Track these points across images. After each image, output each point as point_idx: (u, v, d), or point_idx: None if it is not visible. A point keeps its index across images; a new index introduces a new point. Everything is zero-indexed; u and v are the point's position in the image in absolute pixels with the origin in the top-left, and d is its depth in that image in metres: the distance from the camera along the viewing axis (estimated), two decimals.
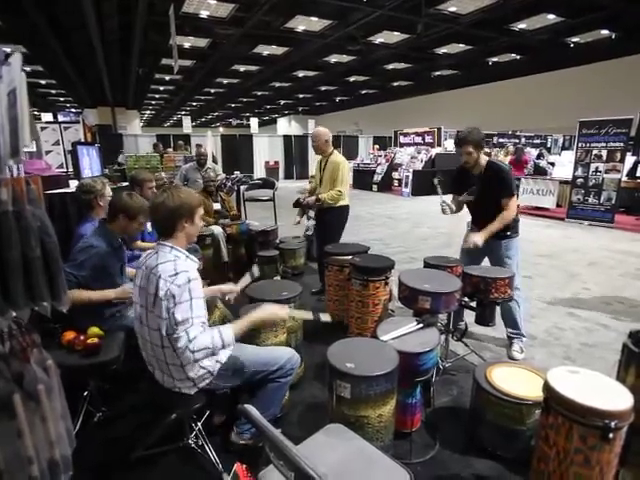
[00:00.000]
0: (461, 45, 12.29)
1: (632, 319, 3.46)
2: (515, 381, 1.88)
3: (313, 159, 16.90)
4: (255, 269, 2.31)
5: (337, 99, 23.57)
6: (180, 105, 24.68)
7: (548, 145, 16.14)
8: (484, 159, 2.72)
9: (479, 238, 2.62)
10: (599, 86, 13.71)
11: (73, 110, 21.22)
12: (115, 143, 13.02)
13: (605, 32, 10.97)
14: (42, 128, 9.16)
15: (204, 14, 9.29)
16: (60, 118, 13.94)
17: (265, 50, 12.57)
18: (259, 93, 20.71)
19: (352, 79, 17.48)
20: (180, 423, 1.83)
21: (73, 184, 3.90)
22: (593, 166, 7.60)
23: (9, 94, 0.94)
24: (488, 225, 2.66)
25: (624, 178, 7.72)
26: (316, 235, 4.32)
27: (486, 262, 2.92)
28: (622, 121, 7.24)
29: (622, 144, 7.24)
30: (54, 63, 11.35)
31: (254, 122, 19.12)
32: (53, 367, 1.20)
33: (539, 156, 11.01)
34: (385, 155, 14.52)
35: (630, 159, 8.38)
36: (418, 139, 14.97)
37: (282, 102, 24.44)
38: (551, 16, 9.77)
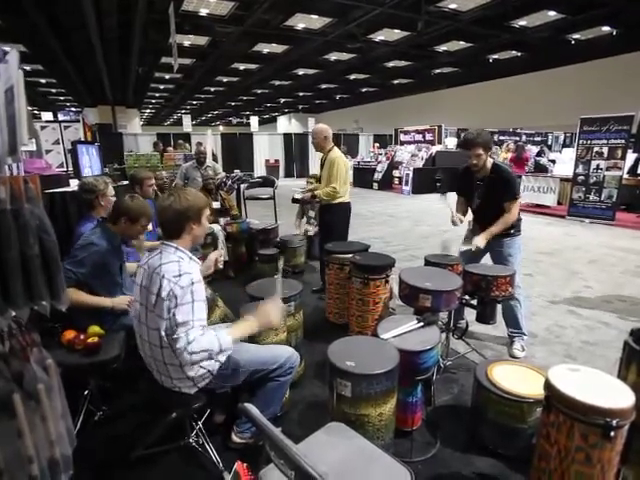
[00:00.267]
0: (461, 42, 12.25)
1: (633, 317, 3.45)
2: (516, 379, 1.87)
3: (313, 157, 16.91)
4: (281, 262, 2.30)
5: (337, 97, 23.53)
6: (180, 104, 24.66)
7: (549, 142, 16.09)
8: (490, 161, 2.70)
9: (481, 241, 2.63)
10: (600, 83, 13.66)
11: (73, 109, 21.21)
12: (115, 142, 13.01)
13: (606, 29, 10.93)
14: (42, 127, 9.15)
15: (204, 12, 9.27)
16: (60, 117, 13.94)
17: (265, 48, 12.54)
18: (259, 91, 20.68)
19: (352, 77, 17.45)
20: (180, 422, 1.83)
21: (73, 183, 3.90)
22: (594, 163, 7.57)
23: (6, 92, 0.94)
24: (490, 227, 2.66)
25: (625, 175, 7.70)
26: (319, 233, 4.33)
27: (486, 259, 2.92)
28: (623, 118, 7.21)
29: (623, 141, 7.21)
30: (54, 62, 11.34)
31: (254, 120, 19.11)
32: (53, 366, 1.19)
33: (540, 153, 10.98)
34: (385, 153, 14.50)
35: (631, 156, 8.36)
36: (419, 137, 14.93)
37: (282, 100, 24.41)
38: (552, 13, 9.74)
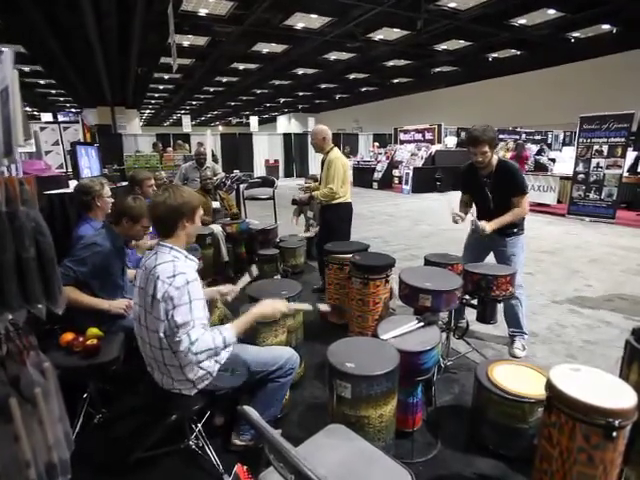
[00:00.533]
0: (461, 41, 12.24)
1: (635, 316, 3.44)
2: (517, 379, 1.86)
3: (313, 157, 16.90)
4: (254, 268, 2.31)
5: (337, 97, 23.53)
6: (180, 104, 24.66)
7: (549, 141, 16.06)
8: (495, 158, 2.66)
9: (488, 226, 2.58)
10: (600, 81, 13.64)
11: (73, 110, 21.19)
12: (115, 143, 13.00)
13: (606, 27, 10.91)
14: (42, 128, 9.13)
15: (203, 12, 9.26)
16: (60, 118, 13.92)
17: (264, 48, 12.53)
18: (259, 91, 20.67)
19: (352, 76, 17.44)
20: (180, 424, 1.83)
21: (73, 184, 3.89)
22: (594, 162, 7.56)
23: (1, 92, 0.93)
24: (500, 218, 2.61)
25: (625, 173, 7.69)
26: (319, 233, 4.33)
27: (489, 259, 2.91)
28: (623, 116, 7.20)
29: (623, 139, 7.20)
30: (53, 63, 11.32)
31: (254, 120, 19.11)
32: (50, 369, 1.19)
33: (540, 152, 10.96)
34: (385, 152, 14.49)
35: (631, 154, 8.36)
36: (418, 136, 14.91)
37: (282, 100, 24.39)
38: (552, 11, 9.72)
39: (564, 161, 9.81)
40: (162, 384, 1.64)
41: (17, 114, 0.89)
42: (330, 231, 3.64)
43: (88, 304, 2.04)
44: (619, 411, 1.22)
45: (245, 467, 1.60)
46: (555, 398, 1.34)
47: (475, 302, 2.47)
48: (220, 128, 33.77)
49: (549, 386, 1.39)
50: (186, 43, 11.48)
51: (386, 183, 13.51)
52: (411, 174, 12.21)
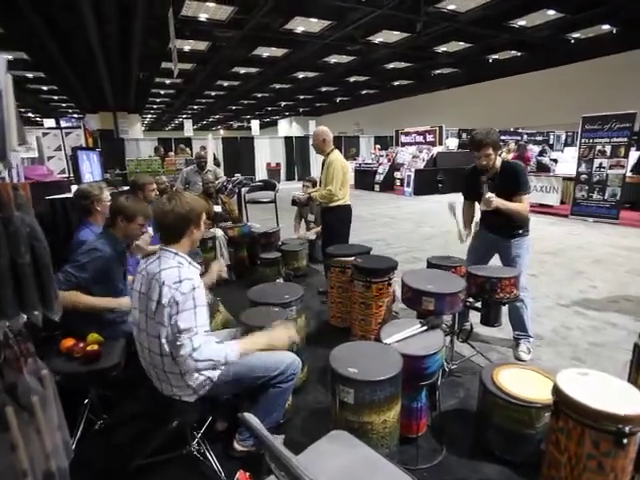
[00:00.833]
0: (461, 43, 12.24)
1: None
2: (523, 383, 1.83)
3: (315, 160, 16.91)
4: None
5: (338, 100, 23.56)
6: (181, 109, 24.75)
7: (551, 142, 16.00)
8: (498, 159, 2.64)
9: (495, 198, 2.51)
10: (601, 81, 13.62)
11: (75, 115, 21.31)
12: (117, 148, 13.04)
13: (606, 27, 10.90)
14: (44, 134, 9.16)
15: (203, 17, 9.30)
16: (62, 124, 13.98)
17: (265, 52, 12.57)
18: (259, 95, 20.73)
19: (352, 79, 17.46)
20: (181, 430, 1.80)
21: (75, 189, 3.89)
22: (597, 162, 7.52)
23: None
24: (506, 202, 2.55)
25: (628, 173, 7.64)
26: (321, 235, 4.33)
27: (494, 260, 2.88)
28: (625, 116, 7.16)
29: (626, 139, 7.16)
30: (55, 69, 11.41)
31: (255, 124, 19.14)
32: (48, 377, 1.17)
33: (542, 153, 10.91)
34: (387, 155, 14.47)
35: (634, 154, 8.29)
36: (419, 138, 14.88)
37: (283, 104, 24.46)
38: (551, 12, 9.71)
39: (566, 161, 9.76)
40: (162, 390, 1.62)
41: (11, 118, 0.88)
42: (330, 233, 3.65)
43: (97, 305, 2.03)
44: (630, 417, 1.19)
45: (248, 474, 1.58)
46: (562, 403, 1.32)
47: (479, 305, 2.44)
48: (221, 132, 33.88)
49: (556, 391, 1.36)
50: (187, 48, 11.52)
51: (388, 185, 13.48)
52: (413, 176, 12.18)
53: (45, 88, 16.11)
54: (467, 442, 1.98)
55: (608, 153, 7.36)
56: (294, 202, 3.91)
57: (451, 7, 9.34)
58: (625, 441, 1.18)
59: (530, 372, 1.96)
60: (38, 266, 0.94)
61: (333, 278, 3.20)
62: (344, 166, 3.55)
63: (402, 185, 12.88)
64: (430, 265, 2.79)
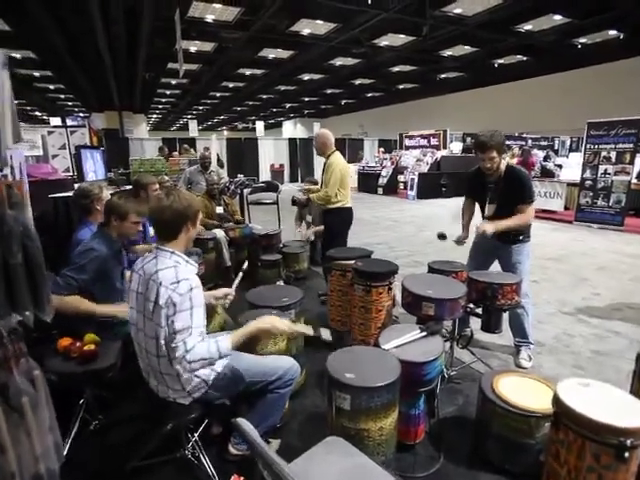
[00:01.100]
0: (467, 47, 12.21)
1: None
2: (523, 391, 1.80)
3: (318, 162, 16.90)
4: (245, 265, 2.34)
5: (342, 102, 23.57)
6: (186, 109, 24.84)
7: (555, 147, 15.93)
8: (503, 163, 2.61)
9: (489, 227, 2.51)
10: (607, 87, 13.54)
11: (81, 114, 21.44)
12: (121, 147, 13.09)
13: (613, 33, 10.83)
14: (49, 132, 9.22)
15: (210, 18, 9.32)
16: (69, 122, 14.07)
17: (270, 53, 12.59)
18: (265, 96, 20.77)
19: (357, 82, 17.46)
20: (177, 433, 1.79)
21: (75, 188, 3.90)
22: (602, 168, 7.47)
23: None
24: (503, 221, 2.55)
25: (634, 180, 7.57)
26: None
27: (494, 267, 2.85)
28: (632, 122, 7.10)
29: (632, 145, 7.10)
30: (63, 68, 11.49)
31: (260, 125, 19.17)
32: (40, 377, 1.16)
33: (546, 158, 10.86)
34: (390, 158, 14.45)
35: None
36: (424, 142, 14.87)
37: (288, 105, 24.49)
38: (558, 17, 9.67)
39: (571, 167, 9.71)
40: (157, 392, 1.60)
41: (6, 116, 0.87)
42: (329, 235, 3.67)
43: (97, 312, 2.02)
44: (632, 430, 1.16)
45: (242, 478, 1.56)
46: (563, 414, 1.29)
47: (480, 311, 2.41)
48: (225, 133, 33.97)
49: (556, 401, 1.33)
50: (193, 49, 11.56)
51: (391, 189, 13.46)
52: (416, 180, 12.15)
53: (52, 87, 16.21)
54: (465, 450, 1.95)
55: (613, 159, 7.31)
56: (294, 202, 3.94)
57: (457, 11, 9.31)
58: (627, 455, 1.15)
59: (530, 380, 1.93)
60: (30, 266, 0.93)
61: (333, 281, 3.18)
62: (343, 169, 3.56)
63: (405, 188, 12.85)
64: (431, 270, 2.76)
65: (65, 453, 1.82)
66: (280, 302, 2.32)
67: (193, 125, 16.46)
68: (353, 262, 2.88)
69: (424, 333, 1.97)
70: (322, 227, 4.08)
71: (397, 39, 11.36)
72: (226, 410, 1.88)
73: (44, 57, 10.95)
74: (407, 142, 15.63)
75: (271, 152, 17.42)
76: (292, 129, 29.36)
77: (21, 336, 1.09)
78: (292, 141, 18.17)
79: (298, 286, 3.61)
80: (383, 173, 13.83)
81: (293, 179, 17.56)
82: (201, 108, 25.25)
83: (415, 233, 7.36)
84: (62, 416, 1.76)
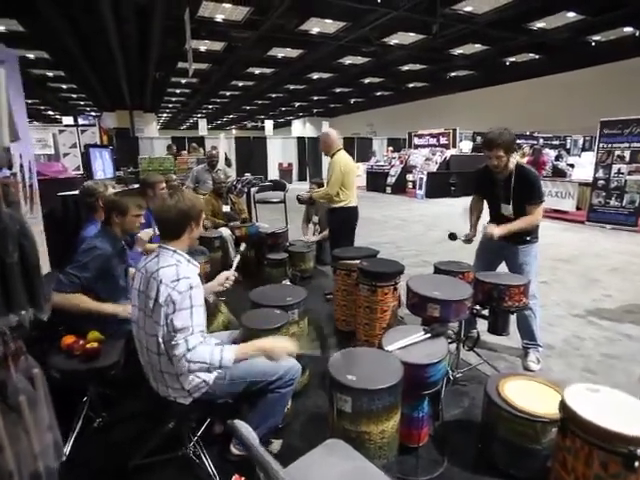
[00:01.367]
0: (477, 45, 12.05)
1: None
2: (529, 395, 1.76)
3: (326, 161, 16.86)
4: (242, 246, 2.46)
5: (352, 101, 23.48)
6: (196, 108, 24.99)
7: (567, 146, 15.67)
8: (512, 162, 2.55)
9: (497, 230, 2.49)
10: (621, 85, 13.26)
11: (93, 114, 21.71)
12: (131, 146, 13.22)
13: (628, 30, 10.59)
14: (60, 131, 9.33)
15: (219, 18, 9.35)
16: (80, 121, 14.28)
17: (280, 53, 12.59)
18: (274, 95, 20.78)
19: (367, 81, 17.38)
20: (179, 432, 1.79)
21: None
22: (615, 167, 7.31)
23: None
24: (510, 224, 2.53)
25: None
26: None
27: (502, 267, 2.80)
28: None
29: None
30: (75, 68, 11.64)
31: (269, 124, 19.20)
32: (40, 376, 1.16)
33: (558, 157, 10.69)
34: (399, 157, 14.35)
35: None
36: (433, 141, 14.74)
37: (297, 104, 24.48)
38: (571, 14, 9.48)
39: (583, 167, 9.53)
40: (158, 391, 1.60)
41: (3, 115, 0.86)
42: (334, 234, 3.69)
43: (100, 310, 2.02)
44: None
45: (243, 478, 1.55)
46: (570, 420, 1.25)
47: (486, 313, 2.37)
48: (234, 132, 34.09)
49: (564, 407, 1.29)
50: (203, 48, 11.61)
51: (400, 188, 13.37)
52: (425, 179, 12.06)
53: (65, 86, 16.43)
54: (470, 454, 1.92)
55: (627, 158, 7.15)
56: (299, 200, 3.99)
57: (468, 9, 9.19)
58: (637, 464, 1.11)
59: (537, 384, 1.89)
60: (26, 265, 0.92)
61: (339, 281, 3.16)
62: (345, 167, 3.55)
63: (414, 188, 12.76)
64: (437, 270, 2.72)
65: (69, 450, 1.84)
66: (283, 301, 2.31)
67: (203, 124, 16.54)
68: (358, 262, 2.86)
69: (428, 335, 1.94)
70: (327, 232, 4.13)
71: (407, 37, 11.27)
72: (228, 409, 1.88)
73: (57, 57, 11.10)
74: (416, 141, 15.51)
75: (279, 151, 17.45)
76: (301, 128, 29.35)
77: (20, 334, 1.10)
78: (301, 140, 18.16)
79: (304, 285, 3.61)
80: (392, 172, 13.75)
81: (301, 178, 17.56)
82: (211, 107, 25.38)
83: (424, 232, 7.30)
84: (66, 413, 1.77)
